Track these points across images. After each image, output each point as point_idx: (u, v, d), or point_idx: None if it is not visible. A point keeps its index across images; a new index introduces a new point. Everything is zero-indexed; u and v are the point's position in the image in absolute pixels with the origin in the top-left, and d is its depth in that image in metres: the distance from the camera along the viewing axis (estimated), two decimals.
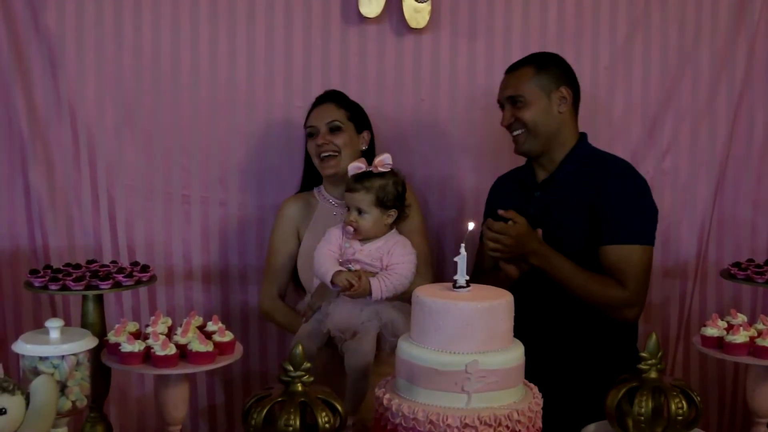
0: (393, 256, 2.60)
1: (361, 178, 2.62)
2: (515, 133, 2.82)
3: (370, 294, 2.54)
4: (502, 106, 2.85)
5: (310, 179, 3.04)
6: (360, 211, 2.60)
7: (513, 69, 2.85)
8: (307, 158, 3.02)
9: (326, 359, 2.67)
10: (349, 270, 2.58)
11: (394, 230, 2.68)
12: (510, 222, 2.68)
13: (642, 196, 2.77)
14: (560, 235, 2.73)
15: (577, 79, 2.86)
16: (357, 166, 2.64)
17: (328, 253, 2.62)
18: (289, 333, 2.96)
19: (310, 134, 2.92)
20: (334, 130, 2.89)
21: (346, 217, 2.64)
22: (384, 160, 2.64)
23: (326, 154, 2.88)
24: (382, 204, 2.60)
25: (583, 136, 2.88)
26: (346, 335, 2.57)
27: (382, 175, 2.62)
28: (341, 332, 2.57)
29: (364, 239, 2.62)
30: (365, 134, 2.97)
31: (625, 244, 2.70)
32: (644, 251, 2.74)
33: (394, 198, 2.62)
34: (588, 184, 2.77)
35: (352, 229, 2.60)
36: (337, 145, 2.87)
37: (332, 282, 2.54)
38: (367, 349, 2.52)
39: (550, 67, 2.80)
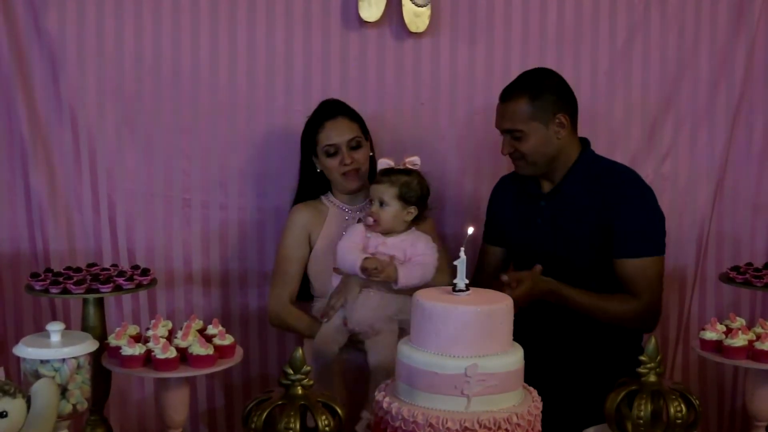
0: (416, 248, 2.68)
1: (389, 172, 2.71)
2: (516, 161, 2.83)
3: (396, 281, 2.61)
4: (500, 132, 2.85)
5: (310, 188, 3.03)
6: (382, 203, 2.68)
7: (507, 98, 2.80)
8: (305, 169, 3.02)
9: (346, 358, 2.71)
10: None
11: (413, 228, 2.73)
12: (514, 284, 2.63)
13: (651, 207, 2.79)
14: (568, 245, 2.75)
15: (572, 94, 2.85)
16: (386, 162, 2.73)
17: (351, 245, 2.68)
18: (301, 336, 2.95)
19: (330, 153, 2.90)
20: (356, 147, 2.90)
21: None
22: (414, 161, 2.74)
23: (350, 170, 2.89)
24: (403, 199, 2.68)
25: (585, 145, 2.88)
26: (370, 332, 2.61)
27: (408, 172, 2.71)
28: (368, 327, 2.62)
29: (384, 232, 2.69)
30: (370, 139, 2.99)
31: (641, 257, 2.73)
32: (658, 261, 2.77)
33: (417, 196, 2.70)
34: (594, 194, 2.77)
35: (372, 219, 2.68)
36: (359, 162, 2.89)
37: (362, 268, 2.60)
38: (392, 345, 2.54)
39: (544, 94, 2.76)
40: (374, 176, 2.92)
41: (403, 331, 2.60)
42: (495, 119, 2.85)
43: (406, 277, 2.61)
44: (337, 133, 2.90)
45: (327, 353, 2.65)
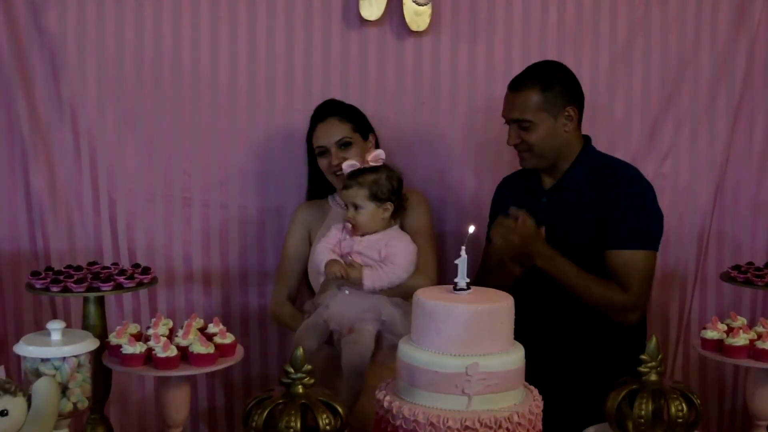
0: (390, 248, 2.67)
1: (355, 174, 2.69)
2: (521, 152, 2.83)
3: (361, 284, 2.61)
4: (507, 122, 2.85)
5: (318, 188, 3.05)
6: (356, 207, 2.68)
7: (517, 87, 2.80)
8: (312, 168, 3.04)
9: (326, 358, 2.69)
10: (346, 261, 2.65)
11: (396, 226, 2.73)
12: (519, 221, 2.69)
13: (649, 202, 2.78)
14: (569, 241, 2.74)
15: (580, 88, 2.86)
16: (351, 164, 2.72)
17: (325, 246, 2.70)
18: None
19: (321, 153, 2.93)
20: (345, 146, 2.90)
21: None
22: (378, 155, 2.72)
23: (341, 171, 2.88)
24: (376, 198, 2.67)
25: (586, 141, 2.88)
26: (344, 329, 2.60)
27: (375, 169, 2.69)
28: (339, 325, 2.62)
29: (364, 234, 2.68)
30: (371, 138, 2.99)
31: (630, 249, 2.72)
32: (648, 256, 2.76)
33: (389, 191, 2.69)
34: (595, 190, 2.77)
35: (350, 225, 2.68)
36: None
37: (325, 273, 2.63)
38: (365, 345, 2.55)
39: (555, 86, 2.77)
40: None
41: (381, 334, 2.61)
42: (503, 108, 2.85)
43: (372, 279, 2.61)
44: (326, 134, 2.92)
45: (305, 348, 2.63)
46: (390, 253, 2.66)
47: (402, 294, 2.65)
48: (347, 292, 2.68)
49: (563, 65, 2.88)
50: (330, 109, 2.98)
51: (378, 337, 2.60)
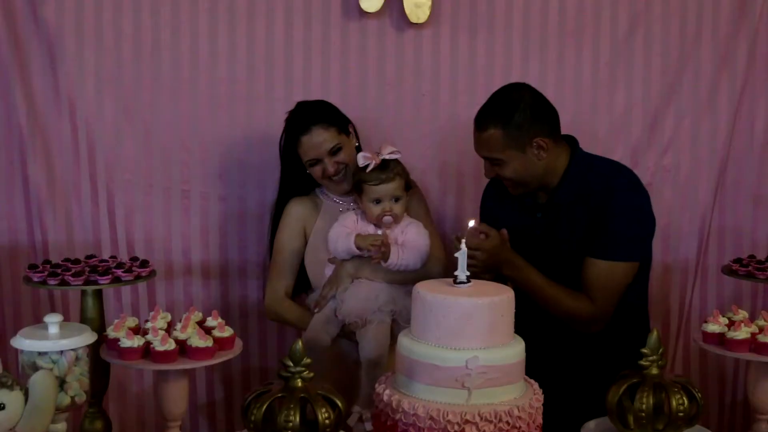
0: (408, 235, 2.68)
1: (387, 166, 2.67)
2: (505, 181, 2.74)
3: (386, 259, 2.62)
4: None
5: (292, 190, 2.97)
6: (395, 198, 2.68)
7: (480, 127, 2.68)
8: (286, 171, 2.96)
9: (339, 350, 2.71)
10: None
11: (405, 214, 2.75)
12: (482, 236, 2.61)
13: (640, 210, 2.70)
14: (566, 256, 2.70)
15: (548, 110, 2.70)
16: (365, 156, 2.68)
17: (343, 231, 2.69)
18: (297, 329, 2.94)
19: (313, 164, 2.84)
20: (337, 151, 2.83)
21: (374, 211, 2.67)
22: (393, 149, 2.69)
23: (338, 176, 2.84)
24: (407, 186, 2.71)
25: (573, 148, 2.77)
26: (360, 322, 2.61)
27: (397, 161, 2.70)
28: (357, 317, 2.62)
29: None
30: (351, 130, 2.92)
31: (610, 261, 2.65)
32: (626, 268, 2.69)
33: (409, 180, 2.74)
34: (591, 200, 2.68)
35: (391, 218, 2.66)
36: (344, 163, 2.83)
37: (357, 247, 2.63)
38: (382, 337, 2.57)
39: (516, 120, 2.62)
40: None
41: (395, 323, 2.61)
42: (473, 144, 2.75)
43: (396, 256, 2.62)
44: (315, 146, 2.81)
45: (318, 344, 2.63)
46: (408, 239, 2.68)
47: (417, 280, 2.63)
48: (362, 283, 2.67)
49: (526, 90, 2.72)
50: (311, 118, 2.85)
51: (393, 326, 2.61)
